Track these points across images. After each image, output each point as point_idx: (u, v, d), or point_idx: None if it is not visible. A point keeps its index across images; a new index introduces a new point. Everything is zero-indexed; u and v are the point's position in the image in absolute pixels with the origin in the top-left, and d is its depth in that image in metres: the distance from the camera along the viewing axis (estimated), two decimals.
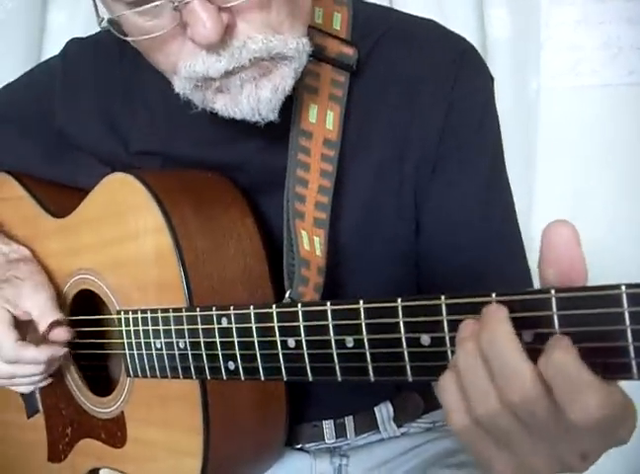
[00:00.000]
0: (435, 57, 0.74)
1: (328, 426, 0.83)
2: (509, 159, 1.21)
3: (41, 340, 0.78)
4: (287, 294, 0.66)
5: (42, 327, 0.76)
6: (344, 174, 0.73)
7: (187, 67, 0.60)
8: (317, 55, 0.71)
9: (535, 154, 1.28)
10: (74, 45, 0.86)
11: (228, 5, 0.57)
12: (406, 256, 0.78)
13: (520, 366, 0.41)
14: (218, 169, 0.78)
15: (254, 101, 0.61)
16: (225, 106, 0.63)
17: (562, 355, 0.40)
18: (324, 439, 0.83)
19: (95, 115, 0.83)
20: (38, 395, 0.90)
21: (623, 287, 0.40)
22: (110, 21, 0.60)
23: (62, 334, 0.77)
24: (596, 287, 0.41)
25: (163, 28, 0.58)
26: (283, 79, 0.62)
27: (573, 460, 0.43)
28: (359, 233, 0.76)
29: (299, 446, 0.84)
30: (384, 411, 0.85)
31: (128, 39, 0.61)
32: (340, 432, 0.83)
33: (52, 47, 0.87)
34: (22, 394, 0.90)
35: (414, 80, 0.74)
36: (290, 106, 0.70)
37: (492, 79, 0.78)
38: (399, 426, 0.86)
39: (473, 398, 0.43)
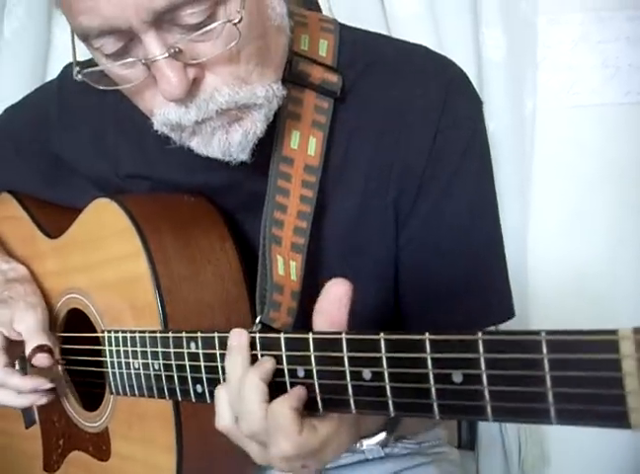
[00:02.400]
0: (423, 84, 0.75)
1: None
2: (505, 179, 1.22)
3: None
4: (258, 319, 0.68)
5: (27, 349, 0.78)
6: (327, 199, 0.75)
7: (161, 115, 0.63)
8: (301, 82, 0.72)
9: (531, 175, 1.27)
10: (70, 70, 0.89)
11: (195, 62, 0.59)
12: (387, 279, 0.79)
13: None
14: (205, 192, 0.80)
15: (225, 145, 0.64)
16: (198, 145, 0.66)
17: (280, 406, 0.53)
18: None
19: (88, 139, 0.85)
20: (34, 407, 0.93)
21: (543, 333, 0.41)
22: (86, 74, 0.64)
23: (44, 360, 0.78)
24: (517, 332, 0.42)
25: (138, 78, 0.61)
26: (254, 123, 0.64)
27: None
28: (340, 257, 0.77)
29: None
30: None
31: (102, 88, 0.64)
32: None
33: (57, 66, 0.90)
34: None
35: (401, 106, 0.74)
36: (274, 131, 0.72)
37: (481, 103, 0.79)
38: (383, 445, 0.87)
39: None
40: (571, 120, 1.28)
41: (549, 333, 0.41)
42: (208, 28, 0.58)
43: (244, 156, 0.66)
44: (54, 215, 0.91)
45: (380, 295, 0.79)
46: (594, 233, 1.29)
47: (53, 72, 0.93)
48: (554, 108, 1.27)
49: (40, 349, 0.78)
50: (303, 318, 0.70)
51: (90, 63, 0.65)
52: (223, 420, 0.59)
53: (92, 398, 0.85)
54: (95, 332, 0.80)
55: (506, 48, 1.18)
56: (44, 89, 0.93)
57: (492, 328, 0.79)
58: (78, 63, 0.65)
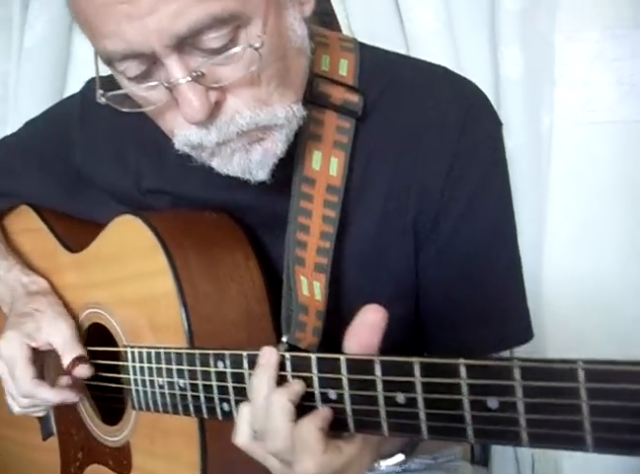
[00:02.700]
0: (442, 105, 0.74)
1: None
2: (522, 195, 1.22)
3: (62, 371, 0.82)
4: (285, 339, 0.68)
5: (66, 360, 0.80)
6: (347, 218, 0.75)
7: (182, 136, 0.63)
8: (322, 103, 0.73)
9: (548, 190, 1.28)
10: (93, 85, 0.90)
11: (216, 86, 0.60)
12: (407, 298, 0.79)
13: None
14: (226, 209, 0.80)
15: (245, 163, 0.65)
16: (219, 165, 0.67)
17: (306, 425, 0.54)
18: None
19: (110, 154, 0.86)
20: (52, 419, 0.94)
21: (580, 362, 0.41)
22: (109, 97, 0.64)
23: (85, 371, 0.81)
24: (554, 360, 0.43)
25: (160, 100, 0.62)
26: (275, 143, 0.65)
27: None
28: (362, 275, 0.77)
29: None
30: None
31: (126, 110, 0.65)
32: None
33: (77, 77, 0.90)
34: (38, 417, 0.94)
35: (420, 127, 0.74)
36: (295, 152, 0.72)
37: (500, 124, 0.78)
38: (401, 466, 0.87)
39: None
40: (587, 137, 1.29)
41: (586, 362, 0.41)
42: (230, 52, 0.58)
43: (263, 175, 0.66)
44: (74, 229, 0.92)
45: (400, 313, 0.79)
46: (608, 247, 1.29)
47: (73, 83, 0.94)
48: (570, 124, 1.27)
49: (79, 360, 0.80)
50: (327, 337, 0.71)
51: (111, 79, 0.65)
52: (241, 437, 0.60)
53: (111, 411, 0.86)
54: (118, 346, 0.81)
55: (523, 66, 1.18)
56: (66, 103, 0.94)
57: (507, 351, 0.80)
58: (101, 78, 0.66)
